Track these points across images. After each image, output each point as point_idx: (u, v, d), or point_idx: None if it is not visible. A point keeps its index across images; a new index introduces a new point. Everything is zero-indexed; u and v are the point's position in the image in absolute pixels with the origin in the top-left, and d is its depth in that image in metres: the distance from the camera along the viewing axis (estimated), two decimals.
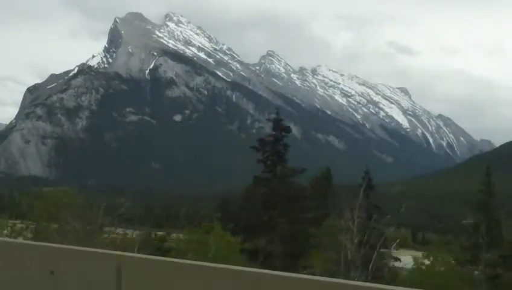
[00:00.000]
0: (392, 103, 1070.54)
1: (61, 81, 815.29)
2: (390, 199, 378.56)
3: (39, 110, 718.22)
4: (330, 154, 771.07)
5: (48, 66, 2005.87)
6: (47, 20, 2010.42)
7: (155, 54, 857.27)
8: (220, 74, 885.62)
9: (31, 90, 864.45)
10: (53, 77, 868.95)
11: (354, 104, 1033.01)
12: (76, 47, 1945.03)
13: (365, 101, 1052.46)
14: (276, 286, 5.11)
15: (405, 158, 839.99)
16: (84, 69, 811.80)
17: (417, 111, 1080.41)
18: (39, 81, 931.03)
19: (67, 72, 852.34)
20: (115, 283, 6.58)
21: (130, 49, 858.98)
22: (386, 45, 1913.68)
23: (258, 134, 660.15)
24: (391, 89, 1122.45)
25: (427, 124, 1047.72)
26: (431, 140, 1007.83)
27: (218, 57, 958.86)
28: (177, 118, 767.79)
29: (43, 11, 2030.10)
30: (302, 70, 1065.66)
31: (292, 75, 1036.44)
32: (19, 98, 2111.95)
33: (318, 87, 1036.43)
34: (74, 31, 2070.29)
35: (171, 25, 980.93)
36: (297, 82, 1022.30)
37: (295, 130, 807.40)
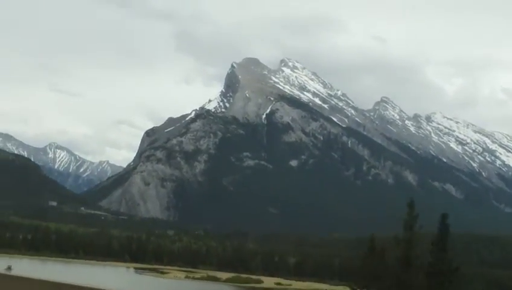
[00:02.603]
0: (509, 151, 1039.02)
1: (179, 125, 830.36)
2: None
3: (159, 153, 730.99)
4: (447, 202, 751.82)
5: (160, 110, 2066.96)
6: (161, 66, 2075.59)
7: (271, 98, 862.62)
8: (335, 119, 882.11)
9: (149, 134, 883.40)
10: (171, 121, 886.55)
11: (469, 152, 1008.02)
12: (189, 92, 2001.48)
13: (481, 149, 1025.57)
14: None
15: None
16: (203, 113, 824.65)
17: None
18: (151, 125, 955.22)
19: (185, 116, 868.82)
20: None
21: (247, 94, 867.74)
22: (501, 91, 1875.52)
23: (374, 181, 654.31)
24: (508, 137, 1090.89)
25: None
26: None
27: (333, 102, 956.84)
28: (293, 163, 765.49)
29: (157, 57, 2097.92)
30: (416, 117, 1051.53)
31: (406, 121, 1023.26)
32: (133, 141, 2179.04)
33: (433, 134, 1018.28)
34: (187, 76, 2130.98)
35: (287, 70, 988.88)
36: (412, 129, 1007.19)
37: (411, 177, 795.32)
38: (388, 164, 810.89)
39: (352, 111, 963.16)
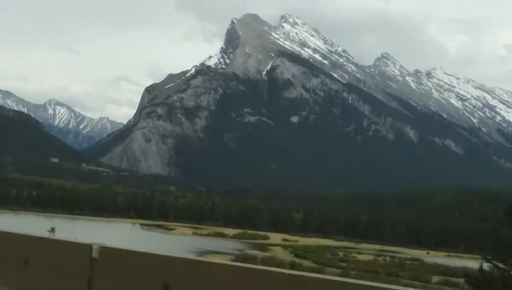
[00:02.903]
0: (509, 107, 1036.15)
1: (179, 81, 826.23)
2: None
3: (160, 110, 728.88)
4: (448, 158, 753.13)
5: (160, 67, 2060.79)
6: (161, 22, 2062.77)
7: (272, 55, 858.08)
8: (335, 75, 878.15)
9: (149, 90, 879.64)
10: (170, 77, 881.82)
11: (469, 108, 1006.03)
12: (189, 48, 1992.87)
13: (481, 105, 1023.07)
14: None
15: None
16: (203, 70, 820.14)
17: None
18: (152, 81, 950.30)
19: (185, 73, 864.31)
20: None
21: (247, 50, 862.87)
22: (502, 48, 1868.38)
23: (375, 137, 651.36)
24: (509, 93, 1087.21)
25: None
26: None
27: (334, 59, 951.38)
28: (294, 119, 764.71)
29: (157, 14, 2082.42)
30: (417, 73, 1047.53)
31: (407, 77, 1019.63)
32: (133, 98, 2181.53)
33: (433, 90, 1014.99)
34: (187, 33, 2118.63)
35: (287, 26, 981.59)
36: (412, 85, 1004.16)
37: (412, 133, 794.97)
38: (389, 120, 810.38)
39: (353, 67, 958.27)
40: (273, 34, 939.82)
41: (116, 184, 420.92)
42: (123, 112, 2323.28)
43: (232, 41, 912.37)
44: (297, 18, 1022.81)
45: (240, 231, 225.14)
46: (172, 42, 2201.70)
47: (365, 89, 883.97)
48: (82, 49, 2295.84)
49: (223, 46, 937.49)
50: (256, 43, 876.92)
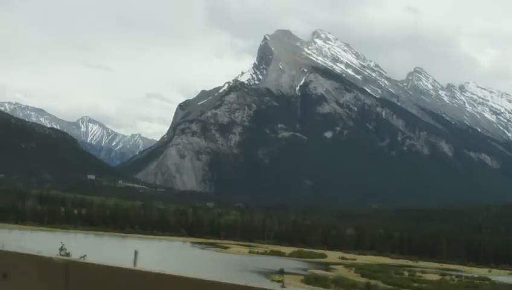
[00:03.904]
0: None
1: (212, 98, 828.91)
2: None
3: (194, 126, 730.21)
4: (483, 173, 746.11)
5: (191, 84, 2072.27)
6: (191, 39, 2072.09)
7: (305, 70, 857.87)
8: (368, 90, 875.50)
9: (183, 106, 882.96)
10: (203, 94, 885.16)
11: (504, 122, 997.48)
12: (219, 65, 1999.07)
13: None
14: None
15: None
16: (237, 86, 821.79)
17: None
18: (183, 98, 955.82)
19: (217, 89, 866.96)
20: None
21: (280, 66, 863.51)
22: None
23: (409, 151, 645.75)
24: None
25: None
26: None
27: (366, 73, 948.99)
28: (328, 134, 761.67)
29: (188, 31, 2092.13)
30: (450, 87, 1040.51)
31: (440, 92, 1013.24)
32: (164, 114, 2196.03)
33: (467, 104, 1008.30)
34: (217, 49, 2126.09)
35: (319, 42, 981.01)
36: (446, 99, 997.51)
37: (446, 148, 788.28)
38: (423, 134, 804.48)
39: (386, 82, 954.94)
40: (306, 50, 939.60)
41: (154, 201, 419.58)
42: (154, 129, 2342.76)
43: (264, 57, 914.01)
44: (329, 33, 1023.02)
45: (295, 249, 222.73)
46: (202, 59, 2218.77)
47: (398, 103, 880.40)
48: (112, 67, 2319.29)
49: (256, 62, 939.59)
50: (289, 58, 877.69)
